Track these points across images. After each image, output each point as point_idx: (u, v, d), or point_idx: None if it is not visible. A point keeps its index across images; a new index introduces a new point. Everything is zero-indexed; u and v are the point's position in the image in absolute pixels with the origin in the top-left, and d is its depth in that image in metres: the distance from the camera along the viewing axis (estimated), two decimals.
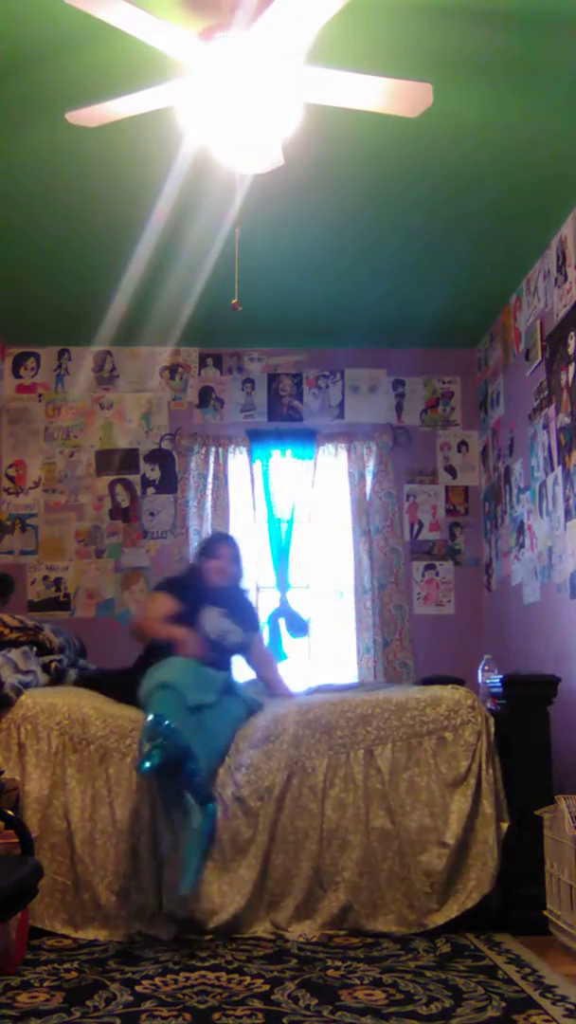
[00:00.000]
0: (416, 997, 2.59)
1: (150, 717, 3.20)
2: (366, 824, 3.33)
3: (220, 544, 4.21)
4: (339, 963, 2.92)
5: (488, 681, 3.67)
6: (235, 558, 4.14)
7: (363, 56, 3.03)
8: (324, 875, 3.30)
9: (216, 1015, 2.44)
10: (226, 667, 3.90)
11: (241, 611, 4.15)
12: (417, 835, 3.31)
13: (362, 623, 5.45)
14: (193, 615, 3.93)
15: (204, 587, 4.05)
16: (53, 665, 3.86)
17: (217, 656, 3.83)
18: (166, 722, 3.15)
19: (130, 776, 3.35)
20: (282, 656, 5.43)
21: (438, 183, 3.89)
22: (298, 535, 5.56)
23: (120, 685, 3.72)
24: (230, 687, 3.67)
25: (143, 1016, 2.43)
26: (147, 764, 3.07)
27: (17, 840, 2.55)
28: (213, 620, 3.94)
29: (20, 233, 4.30)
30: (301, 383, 5.78)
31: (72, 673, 4.00)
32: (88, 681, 3.96)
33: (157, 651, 3.67)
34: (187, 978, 2.76)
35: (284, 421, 5.74)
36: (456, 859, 3.28)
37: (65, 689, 3.74)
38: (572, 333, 4.10)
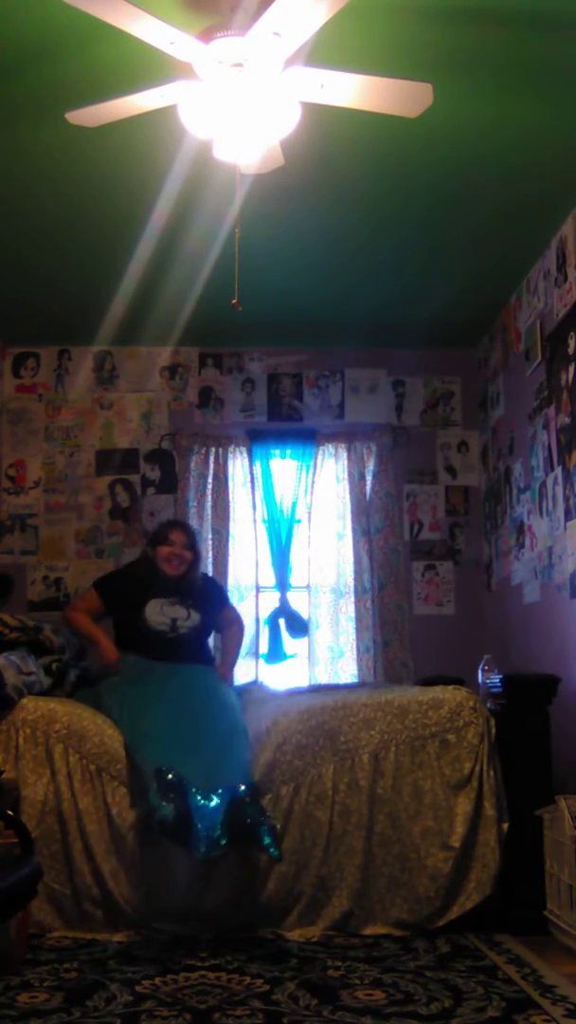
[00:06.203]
0: (416, 997, 2.59)
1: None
2: (369, 829, 3.31)
3: (171, 530, 4.09)
4: (339, 963, 2.92)
5: (488, 681, 3.67)
6: (189, 544, 4.06)
7: (363, 56, 3.03)
8: (328, 881, 3.29)
9: (216, 1015, 2.44)
10: (185, 656, 3.91)
11: (199, 595, 4.11)
12: (422, 839, 3.29)
13: (362, 623, 5.44)
14: (135, 608, 3.95)
15: (152, 577, 4.04)
16: (54, 666, 3.86)
17: (168, 648, 3.89)
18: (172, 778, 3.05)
19: (125, 791, 3.30)
20: (283, 656, 5.44)
21: (438, 183, 3.89)
22: (298, 535, 5.57)
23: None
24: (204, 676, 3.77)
25: (143, 1016, 2.43)
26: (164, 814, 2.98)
27: (17, 840, 2.56)
28: (155, 613, 3.97)
29: (20, 233, 4.30)
30: (301, 383, 5.78)
31: (72, 673, 4.00)
32: (89, 683, 3.96)
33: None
34: (187, 978, 2.76)
35: (284, 421, 5.74)
36: (460, 861, 3.27)
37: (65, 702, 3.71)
38: (572, 333, 4.10)
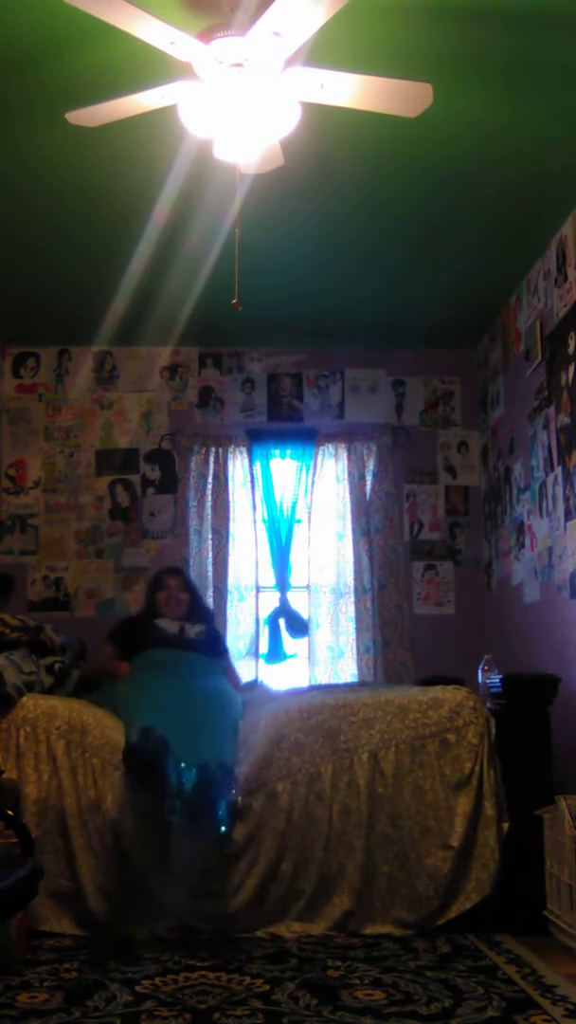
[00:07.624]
0: (416, 997, 2.59)
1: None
2: (368, 828, 3.31)
3: (166, 576, 4.42)
4: (339, 963, 2.92)
5: (488, 681, 3.67)
6: (183, 586, 4.36)
7: (363, 56, 3.03)
8: (329, 880, 3.29)
9: (216, 1015, 2.44)
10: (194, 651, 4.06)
11: (203, 624, 4.35)
12: (421, 838, 3.30)
13: (362, 623, 5.44)
14: (146, 641, 4.10)
15: (155, 623, 4.25)
16: (57, 666, 3.86)
17: (177, 644, 4.05)
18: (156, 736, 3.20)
19: (126, 783, 3.32)
20: (284, 656, 5.45)
21: (438, 183, 3.89)
22: (298, 535, 5.57)
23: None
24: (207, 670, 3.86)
25: (143, 1016, 2.43)
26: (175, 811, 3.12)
27: (17, 840, 2.55)
28: (167, 625, 4.19)
29: (20, 233, 4.30)
30: (301, 383, 5.78)
31: (75, 674, 3.99)
32: (91, 683, 3.96)
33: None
34: (187, 978, 2.76)
35: (284, 421, 5.74)
36: (460, 861, 3.28)
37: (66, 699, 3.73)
38: (572, 333, 4.10)
